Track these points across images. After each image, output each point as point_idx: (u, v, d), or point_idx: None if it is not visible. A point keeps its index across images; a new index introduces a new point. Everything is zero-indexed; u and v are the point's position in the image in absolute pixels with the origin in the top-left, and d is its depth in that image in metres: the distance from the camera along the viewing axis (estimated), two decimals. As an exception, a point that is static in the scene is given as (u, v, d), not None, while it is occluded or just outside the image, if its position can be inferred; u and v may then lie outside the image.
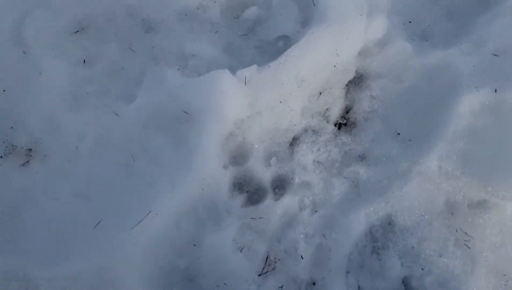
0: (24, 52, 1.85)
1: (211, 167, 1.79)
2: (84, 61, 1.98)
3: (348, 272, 1.70)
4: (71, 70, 1.93)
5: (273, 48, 2.14)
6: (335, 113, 2.01)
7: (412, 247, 1.69)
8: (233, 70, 1.91)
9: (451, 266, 1.66)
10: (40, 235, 1.59)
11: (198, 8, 2.19)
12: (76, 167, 1.73)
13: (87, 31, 2.04)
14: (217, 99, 1.81)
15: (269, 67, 1.87)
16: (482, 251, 1.68)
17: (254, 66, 1.89)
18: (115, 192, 1.69)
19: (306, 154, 1.91)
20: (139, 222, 1.60)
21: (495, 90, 1.78)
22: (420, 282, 1.67)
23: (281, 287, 1.67)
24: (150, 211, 1.63)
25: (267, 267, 1.69)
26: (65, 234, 1.60)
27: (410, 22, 2.16)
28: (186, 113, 1.81)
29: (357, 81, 2.06)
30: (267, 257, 1.70)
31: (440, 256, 1.67)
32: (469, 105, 1.77)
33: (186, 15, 2.17)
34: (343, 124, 2.00)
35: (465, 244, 1.68)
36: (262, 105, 1.88)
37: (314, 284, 1.70)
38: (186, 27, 2.15)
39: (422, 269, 1.67)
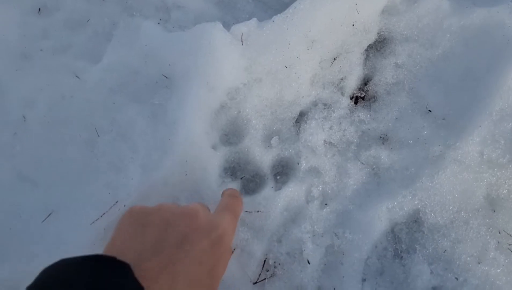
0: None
1: (197, 147, 1.52)
2: (39, 9, 1.69)
3: (364, 280, 1.46)
4: (22, 20, 1.64)
5: (277, 3, 1.84)
6: (352, 83, 1.71)
7: (445, 251, 1.46)
8: (227, 27, 1.61)
9: (492, 275, 1.42)
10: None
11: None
12: (22, 142, 1.46)
13: (44, -28, 1.73)
14: (206, 60, 1.52)
15: (273, 21, 1.58)
16: (532, 258, 1.42)
17: (254, 20, 1.59)
18: (71, 176, 1.42)
19: (316, 133, 1.63)
20: (101, 215, 1.33)
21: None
22: (454, 295, 1.41)
23: (282, 298, 1.41)
24: (117, 202, 1.36)
25: (265, 273, 1.44)
26: (2, 229, 1.32)
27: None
28: (166, 77, 1.55)
29: (379, 46, 1.75)
30: (264, 261, 1.46)
31: (479, 262, 1.44)
32: (522, 76, 1.49)
33: (170, -42, 1.83)
34: (361, 97, 1.70)
35: (509, 248, 1.44)
36: (263, 70, 1.59)
37: (323, 294, 1.43)
38: (170, -27, 1.82)
39: (457, 278, 1.43)
